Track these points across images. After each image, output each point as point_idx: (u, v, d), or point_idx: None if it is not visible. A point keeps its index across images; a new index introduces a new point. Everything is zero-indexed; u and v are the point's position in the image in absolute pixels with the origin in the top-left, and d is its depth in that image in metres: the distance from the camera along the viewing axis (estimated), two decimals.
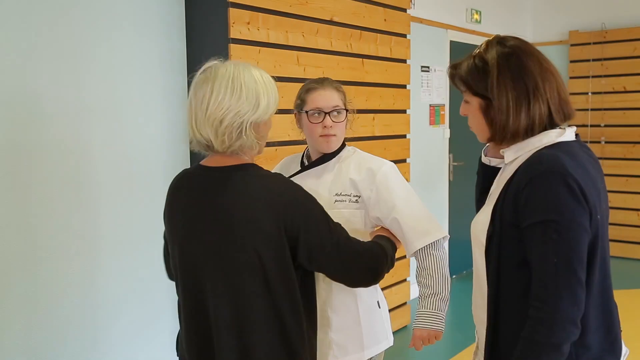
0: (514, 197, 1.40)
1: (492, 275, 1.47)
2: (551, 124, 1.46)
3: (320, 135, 1.93)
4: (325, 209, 1.82)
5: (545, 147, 1.42)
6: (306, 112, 1.94)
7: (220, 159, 1.58)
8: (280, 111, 3.27)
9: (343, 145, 2.02)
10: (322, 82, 1.97)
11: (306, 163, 2.04)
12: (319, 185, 1.96)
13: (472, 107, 1.51)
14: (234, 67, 1.56)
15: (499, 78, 1.43)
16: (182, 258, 1.60)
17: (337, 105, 1.93)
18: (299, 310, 1.55)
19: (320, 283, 1.93)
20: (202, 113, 1.52)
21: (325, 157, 1.99)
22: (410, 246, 1.89)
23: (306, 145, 2.08)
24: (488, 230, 1.46)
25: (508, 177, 1.45)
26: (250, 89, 1.53)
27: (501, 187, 1.47)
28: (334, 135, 1.93)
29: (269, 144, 3.21)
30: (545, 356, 1.32)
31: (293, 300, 1.53)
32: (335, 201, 1.92)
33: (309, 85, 1.97)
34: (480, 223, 1.51)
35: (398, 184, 1.93)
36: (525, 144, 1.46)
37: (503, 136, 1.47)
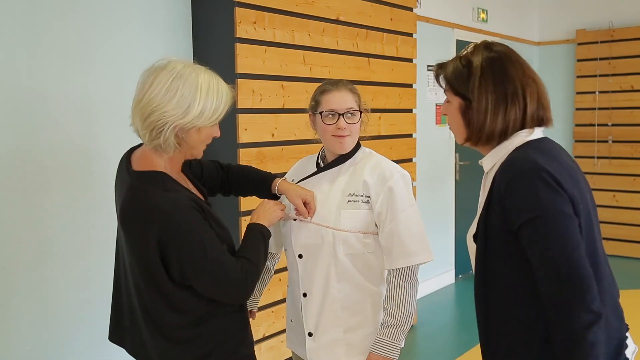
0: (499, 203, 1.41)
1: (480, 280, 1.49)
2: (522, 127, 1.48)
3: (334, 135, 1.94)
4: (338, 208, 1.84)
5: (515, 149, 1.45)
6: (320, 113, 1.95)
7: (141, 157, 1.64)
8: (287, 110, 3.31)
9: (358, 147, 2.03)
10: (336, 83, 1.97)
11: (322, 164, 2.05)
12: (334, 185, 1.97)
13: (452, 106, 1.54)
14: (184, 67, 1.57)
15: (481, 80, 1.46)
16: (117, 240, 1.72)
17: (351, 107, 1.94)
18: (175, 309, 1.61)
19: (333, 284, 1.94)
20: (137, 102, 1.57)
21: (341, 159, 2.00)
22: (392, 262, 1.91)
23: (320, 146, 2.08)
24: (477, 238, 1.48)
25: (489, 186, 1.47)
26: (185, 95, 1.54)
27: (484, 197, 1.49)
28: (348, 135, 1.94)
29: (275, 143, 3.24)
30: (583, 343, 1.29)
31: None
32: (348, 201, 1.93)
33: (324, 87, 1.98)
34: (473, 234, 1.53)
35: (404, 196, 1.93)
36: (499, 149, 1.49)
37: (478, 137, 1.50)
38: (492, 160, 1.51)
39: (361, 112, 1.97)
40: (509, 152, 1.46)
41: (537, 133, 1.49)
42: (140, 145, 1.70)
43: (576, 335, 1.30)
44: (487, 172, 1.54)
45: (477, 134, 1.49)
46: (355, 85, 2.03)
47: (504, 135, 1.48)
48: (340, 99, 1.93)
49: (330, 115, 1.93)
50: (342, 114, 1.92)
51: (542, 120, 1.50)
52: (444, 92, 1.57)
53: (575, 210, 1.36)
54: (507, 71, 1.47)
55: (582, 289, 1.31)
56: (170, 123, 1.54)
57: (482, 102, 1.46)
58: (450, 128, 1.60)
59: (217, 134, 1.68)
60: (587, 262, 1.34)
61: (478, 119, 1.47)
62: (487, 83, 1.46)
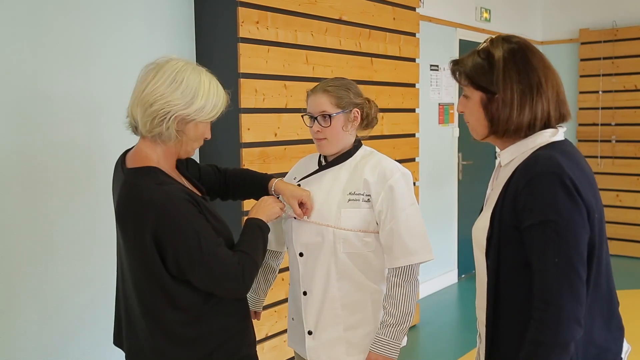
0: (513, 199, 1.40)
1: (491, 277, 1.47)
2: (548, 124, 1.47)
3: (314, 138, 1.98)
4: (338, 207, 1.84)
5: (541, 148, 1.44)
6: (302, 116, 2.01)
7: (134, 154, 1.67)
8: (290, 110, 3.31)
9: (359, 145, 2.03)
10: (316, 87, 1.99)
11: (323, 163, 2.06)
12: (334, 184, 1.97)
13: (472, 101, 1.52)
14: (185, 64, 1.63)
15: (505, 71, 1.45)
16: (117, 241, 1.73)
17: (324, 111, 1.93)
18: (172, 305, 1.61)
19: (333, 282, 1.94)
20: (139, 93, 1.60)
21: (342, 157, 2.00)
22: (394, 261, 1.91)
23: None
24: (487, 232, 1.47)
25: (505, 180, 1.46)
26: (190, 86, 1.59)
27: (499, 190, 1.47)
28: (324, 139, 1.95)
29: (277, 143, 3.24)
30: (554, 356, 1.32)
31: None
32: (349, 200, 1.93)
33: (309, 91, 2.02)
34: (481, 228, 1.51)
35: (405, 195, 1.93)
36: (520, 145, 1.47)
37: (505, 130, 1.47)
38: (511, 154, 1.49)
39: (343, 112, 1.94)
40: (533, 150, 1.44)
41: (561, 134, 1.48)
42: (127, 151, 1.73)
43: (559, 343, 1.32)
44: (502, 166, 1.52)
45: (503, 127, 1.46)
46: (351, 83, 1.99)
47: (532, 128, 1.46)
48: (314, 102, 1.96)
49: (309, 119, 1.98)
50: (316, 118, 1.95)
51: (561, 115, 1.49)
52: (463, 87, 1.54)
53: (590, 219, 1.36)
54: (530, 61, 1.46)
55: (577, 300, 1.32)
56: (173, 112, 1.57)
57: (508, 94, 1.44)
58: (468, 124, 1.57)
59: (209, 135, 1.72)
60: (585, 275, 1.34)
61: (504, 111, 1.45)
62: (512, 74, 1.44)
